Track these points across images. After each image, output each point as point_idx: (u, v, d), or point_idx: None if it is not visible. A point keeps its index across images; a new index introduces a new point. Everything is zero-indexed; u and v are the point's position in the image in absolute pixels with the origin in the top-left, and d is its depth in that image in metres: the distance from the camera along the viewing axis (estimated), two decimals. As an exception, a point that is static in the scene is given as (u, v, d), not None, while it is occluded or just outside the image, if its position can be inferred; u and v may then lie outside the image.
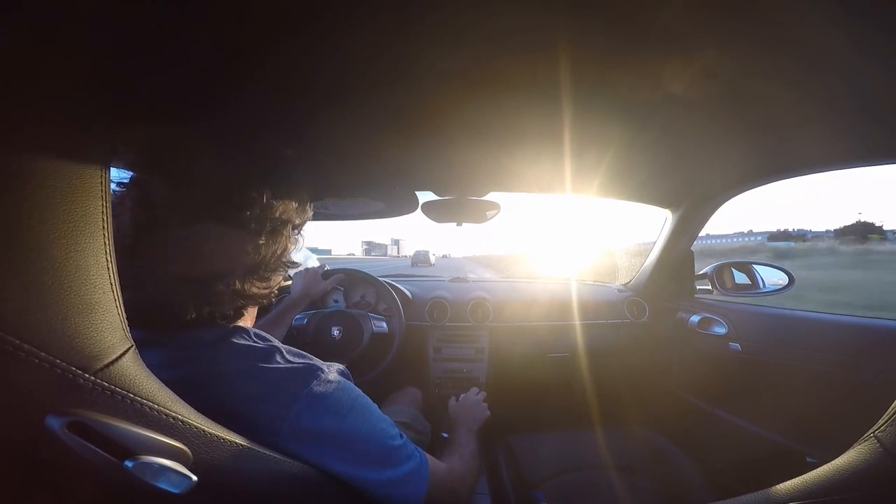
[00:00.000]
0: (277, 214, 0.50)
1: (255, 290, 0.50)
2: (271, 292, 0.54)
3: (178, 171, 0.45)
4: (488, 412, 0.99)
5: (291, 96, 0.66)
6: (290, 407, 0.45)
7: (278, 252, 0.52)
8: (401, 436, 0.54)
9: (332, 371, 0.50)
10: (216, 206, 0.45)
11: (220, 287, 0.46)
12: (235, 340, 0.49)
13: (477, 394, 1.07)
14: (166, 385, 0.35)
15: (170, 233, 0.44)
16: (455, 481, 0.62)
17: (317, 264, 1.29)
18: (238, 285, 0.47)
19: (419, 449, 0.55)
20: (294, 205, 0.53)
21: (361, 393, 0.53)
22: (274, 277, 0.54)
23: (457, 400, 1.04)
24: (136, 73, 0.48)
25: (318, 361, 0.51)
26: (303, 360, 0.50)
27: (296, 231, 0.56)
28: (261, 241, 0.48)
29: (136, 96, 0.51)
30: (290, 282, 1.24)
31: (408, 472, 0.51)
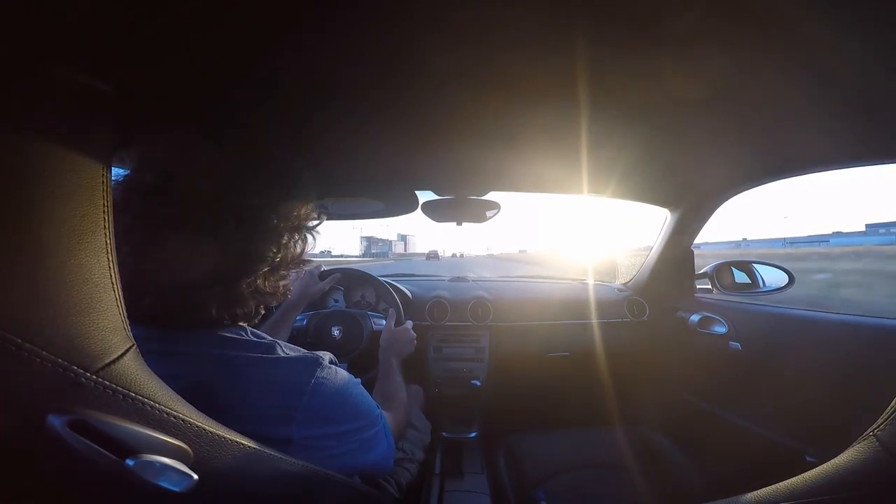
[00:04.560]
0: (300, 215, 0.54)
1: (272, 288, 0.53)
2: (286, 290, 0.57)
3: (200, 171, 0.46)
4: (415, 343, 1.09)
5: (291, 95, 0.66)
6: (301, 396, 0.47)
7: (298, 251, 0.56)
8: (377, 406, 0.60)
9: (326, 359, 0.53)
10: (240, 207, 0.47)
11: (243, 287, 0.48)
12: (235, 336, 0.50)
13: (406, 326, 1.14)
14: (168, 382, 0.35)
15: (194, 232, 0.45)
16: (399, 427, 0.78)
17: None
18: (260, 283, 0.50)
19: (380, 410, 0.61)
20: (311, 206, 0.57)
21: (349, 374, 0.57)
22: (290, 275, 0.57)
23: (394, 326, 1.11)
24: (138, 73, 0.48)
25: (312, 352, 0.54)
26: (301, 352, 0.52)
27: (310, 231, 0.59)
28: (283, 241, 0.52)
29: (139, 97, 0.51)
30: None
31: (380, 430, 0.58)
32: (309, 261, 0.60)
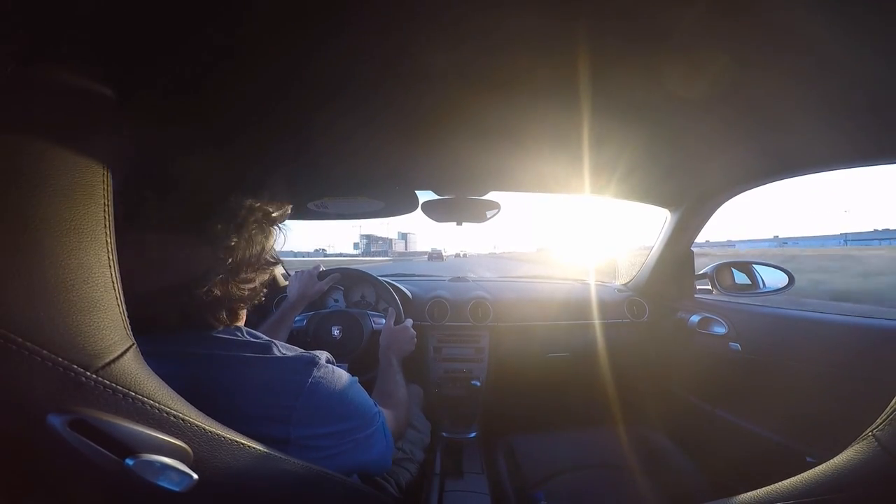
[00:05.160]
0: (251, 212, 0.49)
1: (238, 292, 0.49)
2: (258, 292, 0.53)
3: (161, 176, 0.44)
4: (415, 341, 1.09)
5: (291, 95, 0.66)
6: (298, 396, 0.47)
7: (256, 251, 0.50)
8: (375, 404, 0.60)
9: (323, 358, 0.53)
10: (191, 211, 0.44)
11: (201, 294, 0.45)
12: (229, 337, 0.50)
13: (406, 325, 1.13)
14: (169, 382, 0.35)
15: (145, 235, 0.42)
16: (400, 425, 0.76)
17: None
18: (218, 291, 0.46)
19: (379, 409, 0.60)
20: (268, 200, 0.52)
21: (346, 373, 0.56)
22: (258, 276, 0.53)
23: (394, 324, 1.11)
24: (138, 74, 0.48)
25: (308, 351, 0.53)
26: (297, 352, 0.52)
27: (274, 226, 0.54)
28: (231, 244, 0.46)
29: (139, 97, 0.52)
30: (287, 282, 1.24)
31: (378, 428, 0.57)
32: (278, 262, 0.56)
